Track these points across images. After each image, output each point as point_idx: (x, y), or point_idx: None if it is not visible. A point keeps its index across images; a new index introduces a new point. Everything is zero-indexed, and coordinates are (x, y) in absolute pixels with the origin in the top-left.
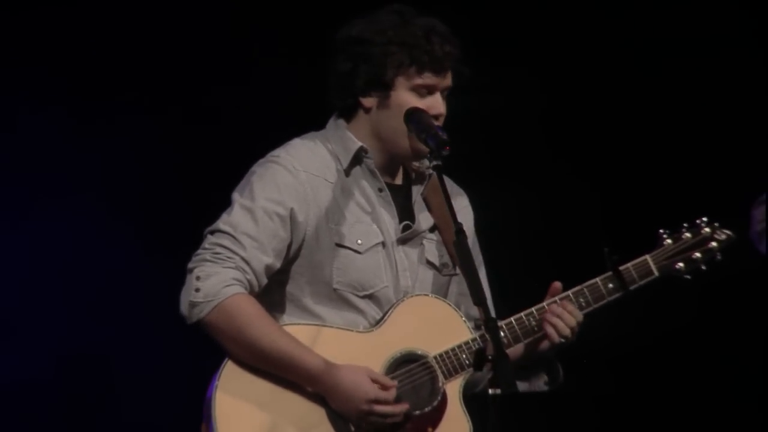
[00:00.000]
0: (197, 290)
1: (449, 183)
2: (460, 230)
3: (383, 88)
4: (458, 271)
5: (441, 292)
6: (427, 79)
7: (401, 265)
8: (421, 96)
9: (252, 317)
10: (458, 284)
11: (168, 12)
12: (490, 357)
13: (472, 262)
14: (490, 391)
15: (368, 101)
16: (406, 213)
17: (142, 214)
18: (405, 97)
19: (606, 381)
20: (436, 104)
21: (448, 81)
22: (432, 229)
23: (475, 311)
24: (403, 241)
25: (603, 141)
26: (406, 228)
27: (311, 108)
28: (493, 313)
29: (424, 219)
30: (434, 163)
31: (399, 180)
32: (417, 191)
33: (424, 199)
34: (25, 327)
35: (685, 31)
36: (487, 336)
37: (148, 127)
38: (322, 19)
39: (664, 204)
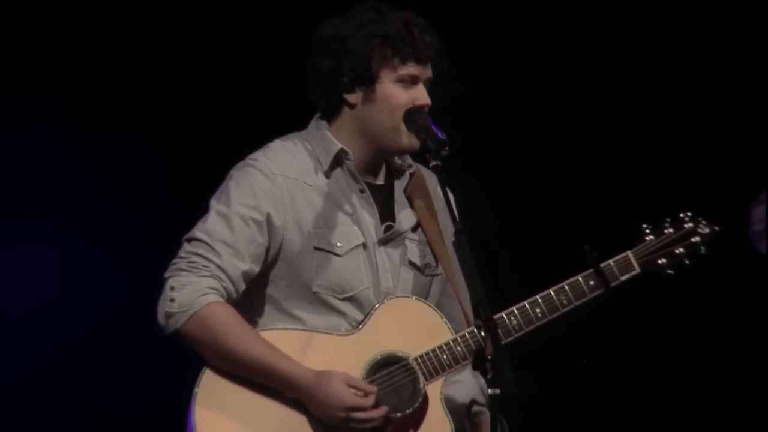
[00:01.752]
0: (172, 300)
1: (432, 176)
2: (460, 231)
3: (368, 83)
4: (440, 270)
5: (423, 292)
6: (411, 69)
7: (382, 267)
8: (405, 87)
9: (227, 326)
10: (440, 284)
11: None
12: (489, 357)
13: (471, 263)
14: (490, 391)
15: (353, 97)
16: (387, 213)
17: (142, 217)
18: (390, 89)
19: (606, 381)
20: (421, 95)
21: (429, 72)
22: (415, 228)
23: (458, 313)
24: (384, 242)
25: (589, 136)
26: (388, 229)
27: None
28: (471, 314)
29: (405, 218)
30: (434, 163)
31: (381, 179)
32: (399, 188)
33: (408, 197)
34: (27, 328)
35: (679, 27)
36: (468, 336)
37: (143, 130)
38: (304, 19)
39: (650, 199)
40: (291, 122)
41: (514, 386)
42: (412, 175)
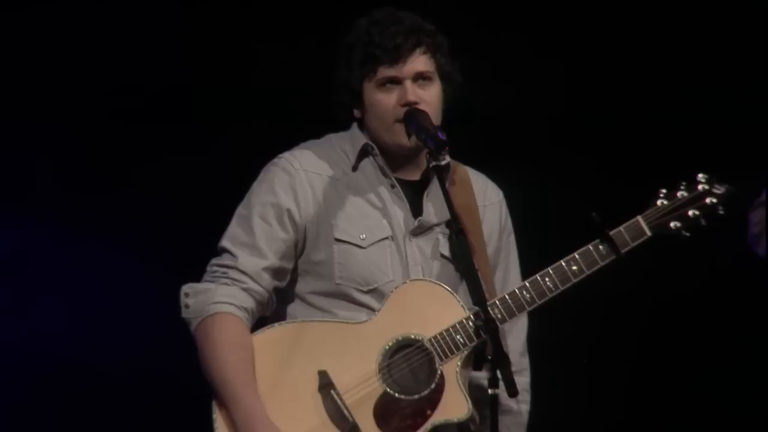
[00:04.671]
0: (186, 306)
1: (481, 178)
2: (459, 231)
3: (358, 98)
4: (476, 264)
5: (455, 285)
6: (385, 71)
7: (413, 260)
8: (387, 90)
9: (220, 341)
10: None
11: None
12: (489, 357)
13: (470, 263)
14: (490, 391)
15: (356, 112)
16: (418, 207)
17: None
18: (372, 96)
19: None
20: (403, 94)
21: (415, 66)
22: (450, 222)
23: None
24: (416, 235)
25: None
26: (419, 222)
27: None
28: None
29: (437, 212)
30: (433, 163)
31: (417, 175)
32: (436, 184)
33: (447, 192)
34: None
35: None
36: (481, 314)
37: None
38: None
39: (665, 165)
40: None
41: (515, 386)
42: (441, 168)
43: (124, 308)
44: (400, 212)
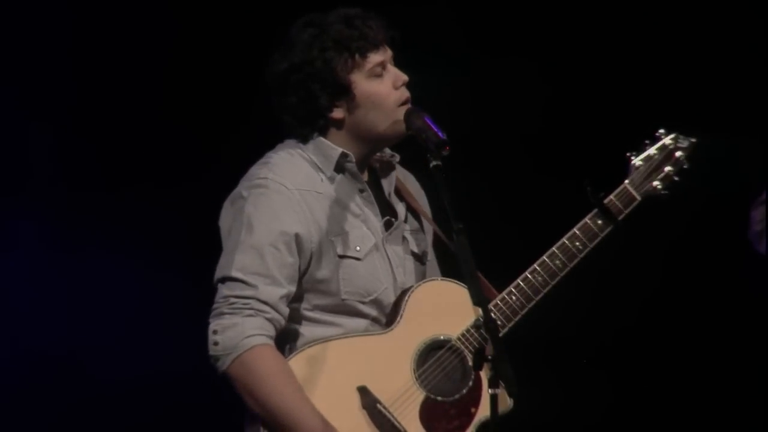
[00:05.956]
0: (216, 344)
1: (399, 168)
2: (460, 230)
3: (346, 93)
4: (431, 257)
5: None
6: (374, 58)
7: (394, 262)
8: (379, 77)
9: (268, 373)
10: (431, 271)
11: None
12: (489, 357)
13: (472, 263)
14: (490, 391)
15: (338, 112)
16: (385, 208)
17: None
18: (368, 87)
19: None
20: (396, 76)
21: (390, 50)
22: (406, 218)
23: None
24: (389, 236)
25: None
26: (387, 224)
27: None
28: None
29: (400, 210)
30: (434, 163)
31: (366, 176)
32: (388, 183)
33: (396, 188)
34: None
35: None
36: (501, 304)
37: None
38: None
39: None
40: None
41: (514, 386)
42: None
43: (125, 311)
44: (373, 216)
